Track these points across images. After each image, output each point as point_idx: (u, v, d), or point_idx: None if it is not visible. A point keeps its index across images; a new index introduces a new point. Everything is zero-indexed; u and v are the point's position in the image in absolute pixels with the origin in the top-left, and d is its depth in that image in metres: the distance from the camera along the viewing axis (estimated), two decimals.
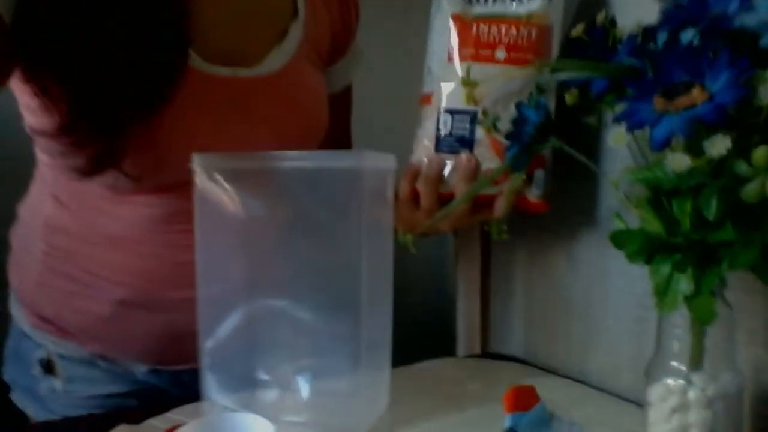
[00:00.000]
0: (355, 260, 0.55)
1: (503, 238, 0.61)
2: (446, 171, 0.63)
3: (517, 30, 0.61)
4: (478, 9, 0.63)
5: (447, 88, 0.63)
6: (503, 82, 0.60)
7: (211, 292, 0.63)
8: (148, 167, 0.64)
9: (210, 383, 0.64)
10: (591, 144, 0.70)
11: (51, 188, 0.72)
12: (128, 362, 0.74)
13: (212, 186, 0.61)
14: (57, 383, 0.74)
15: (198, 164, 0.60)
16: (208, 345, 0.63)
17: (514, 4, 0.63)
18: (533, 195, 0.63)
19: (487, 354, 0.88)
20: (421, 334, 1.04)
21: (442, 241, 1.12)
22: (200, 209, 0.61)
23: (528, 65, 0.60)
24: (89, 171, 0.60)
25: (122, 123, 0.58)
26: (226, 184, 0.61)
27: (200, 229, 0.62)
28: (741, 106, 0.39)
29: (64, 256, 0.72)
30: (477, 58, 0.62)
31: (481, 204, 0.63)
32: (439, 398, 0.68)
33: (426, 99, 0.66)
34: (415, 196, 0.65)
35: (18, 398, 0.77)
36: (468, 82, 0.52)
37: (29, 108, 0.62)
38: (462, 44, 0.62)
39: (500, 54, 0.61)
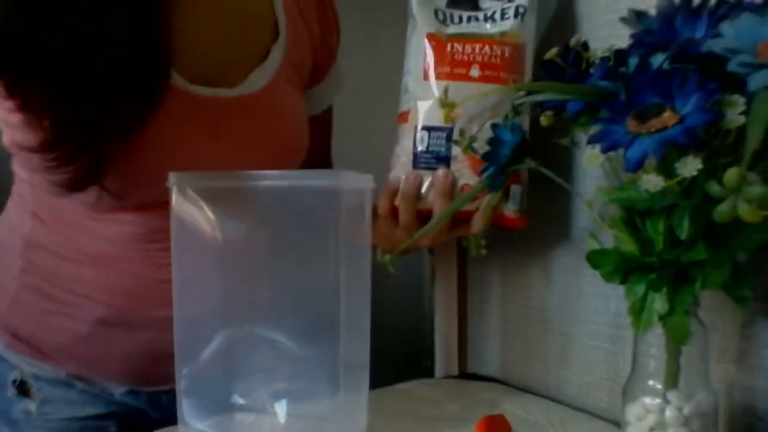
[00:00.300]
0: (333, 281, 0.55)
1: (481, 252, 0.61)
2: (424, 187, 0.64)
3: (491, 49, 0.62)
4: (453, 29, 0.65)
5: (424, 106, 0.64)
6: (478, 100, 0.61)
7: (187, 315, 0.62)
8: (130, 184, 0.64)
9: (186, 407, 0.62)
10: (564, 164, 0.71)
11: (30, 205, 0.72)
12: (106, 383, 0.73)
13: (188, 205, 0.60)
14: (31, 406, 0.73)
15: (173, 183, 0.60)
16: (184, 369, 0.62)
17: (488, 23, 0.64)
18: (510, 210, 0.63)
19: (464, 374, 0.88)
20: (398, 355, 1.04)
21: (418, 260, 1.12)
22: (176, 230, 0.61)
23: (502, 83, 0.62)
24: (72, 187, 0.60)
25: (105, 140, 0.59)
26: (201, 203, 0.60)
27: (176, 250, 0.61)
28: (710, 129, 0.40)
29: (42, 273, 0.71)
30: (452, 76, 0.63)
31: (458, 220, 0.63)
32: (418, 420, 0.67)
33: (403, 117, 0.67)
34: (393, 213, 0.65)
35: None
36: (446, 103, 0.53)
37: (10, 123, 0.62)
38: (437, 63, 0.64)
39: (474, 72, 0.62)
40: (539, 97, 0.48)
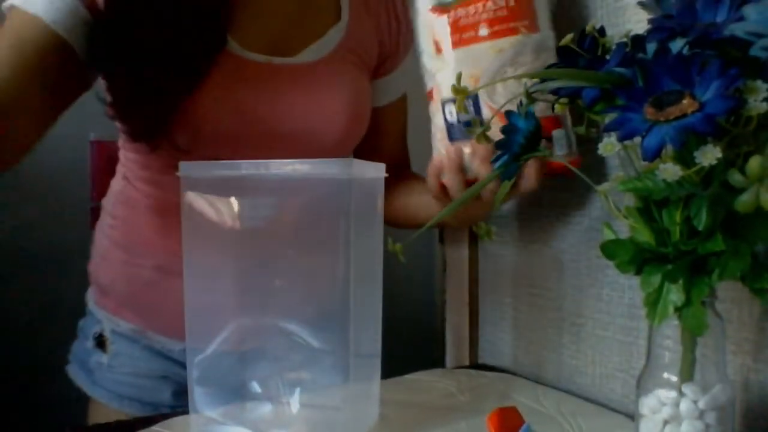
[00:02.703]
0: (344, 271, 0.54)
1: (491, 238, 0.61)
2: (466, 158, 0.63)
3: (494, 2, 0.61)
4: None
5: (444, 79, 0.64)
6: (493, 57, 0.60)
7: (198, 304, 0.62)
8: (192, 139, 0.70)
9: (198, 396, 0.63)
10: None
11: (123, 167, 0.81)
12: (165, 338, 0.79)
13: (199, 194, 0.60)
14: (104, 358, 0.81)
15: (184, 172, 0.60)
16: (196, 357, 0.62)
17: None
18: (558, 156, 0.61)
19: (476, 365, 0.88)
20: (410, 345, 1.04)
21: (429, 251, 1.12)
22: (187, 218, 0.61)
23: (514, 33, 0.61)
24: (140, 135, 0.69)
25: (167, 96, 0.67)
26: (213, 192, 0.60)
27: (187, 239, 0.61)
28: (730, 116, 0.39)
29: (122, 226, 0.80)
30: (463, 42, 0.62)
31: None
32: (429, 410, 0.67)
33: (429, 95, 0.67)
34: (445, 190, 0.65)
35: (72, 370, 0.84)
36: (459, 90, 0.52)
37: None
38: (445, 34, 0.63)
39: (484, 31, 0.61)
40: (554, 84, 0.47)
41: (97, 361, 0.81)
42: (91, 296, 0.85)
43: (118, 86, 0.66)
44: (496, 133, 0.61)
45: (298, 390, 0.60)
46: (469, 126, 0.61)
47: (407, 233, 0.57)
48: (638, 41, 0.45)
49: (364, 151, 0.85)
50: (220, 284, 0.62)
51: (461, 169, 0.63)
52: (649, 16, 0.42)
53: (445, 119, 0.64)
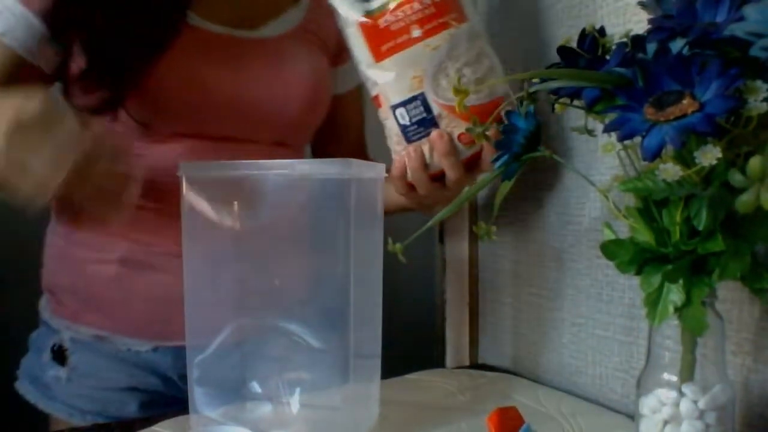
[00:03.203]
0: (344, 271, 0.54)
1: (491, 238, 0.61)
2: (426, 155, 0.65)
3: (420, 3, 0.62)
4: (376, 3, 0.64)
5: (387, 85, 0.65)
6: (431, 55, 0.61)
7: (198, 304, 0.62)
8: (151, 113, 0.70)
9: (198, 396, 0.63)
10: (577, 152, 0.70)
11: None
12: (132, 340, 0.75)
13: (198, 194, 0.60)
14: (62, 371, 0.76)
15: (183, 172, 0.60)
16: (196, 358, 0.62)
17: None
18: None
19: (476, 365, 0.88)
20: (409, 345, 1.03)
21: (429, 250, 1.12)
22: (187, 219, 0.61)
23: (446, 27, 0.62)
24: (98, 109, 0.68)
25: (126, 68, 0.68)
26: (212, 192, 0.60)
27: (187, 239, 0.61)
28: (730, 116, 0.39)
29: (78, 218, 0.76)
30: (398, 47, 0.63)
31: (471, 165, 0.65)
32: (429, 410, 0.67)
33: (376, 102, 0.67)
34: (411, 187, 0.67)
35: (23, 386, 0.79)
36: (459, 90, 0.52)
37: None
38: (380, 42, 0.64)
39: (416, 32, 0.62)
40: (554, 84, 0.47)
41: (53, 375, 0.76)
42: (45, 306, 0.80)
43: (77, 62, 0.67)
44: (456, 126, 0.63)
45: (298, 390, 0.60)
46: (422, 125, 0.63)
47: (407, 233, 0.57)
48: (638, 41, 0.45)
49: (326, 138, 0.86)
50: (220, 284, 0.62)
51: (424, 166, 0.65)
52: (649, 16, 0.42)
53: (398, 123, 0.65)
